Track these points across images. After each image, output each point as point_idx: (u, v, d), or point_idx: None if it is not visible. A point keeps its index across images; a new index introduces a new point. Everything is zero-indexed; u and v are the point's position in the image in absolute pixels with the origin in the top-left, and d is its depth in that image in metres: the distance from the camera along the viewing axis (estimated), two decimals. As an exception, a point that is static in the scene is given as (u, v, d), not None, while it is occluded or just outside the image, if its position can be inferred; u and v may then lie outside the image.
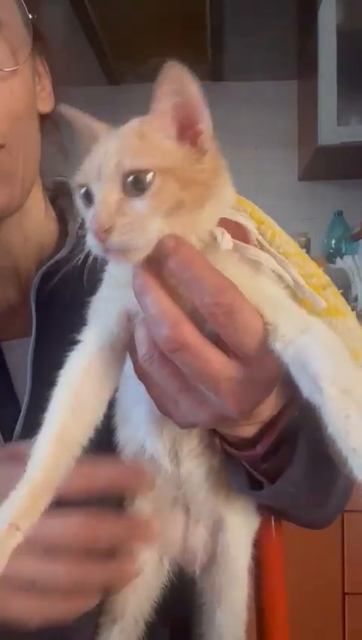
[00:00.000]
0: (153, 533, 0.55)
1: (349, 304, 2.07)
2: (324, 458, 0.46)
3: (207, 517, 0.59)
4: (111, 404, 0.52)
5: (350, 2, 1.96)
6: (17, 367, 0.64)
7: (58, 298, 0.59)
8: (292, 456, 0.51)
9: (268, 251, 0.48)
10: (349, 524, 1.54)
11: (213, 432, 0.53)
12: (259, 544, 0.63)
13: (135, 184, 0.42)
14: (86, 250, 0.44)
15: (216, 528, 0.59)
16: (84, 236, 0.58)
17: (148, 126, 0.44)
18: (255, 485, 0.54)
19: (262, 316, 0.43)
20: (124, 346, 0.48)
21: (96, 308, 0.50)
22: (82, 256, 0.45)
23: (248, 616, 0.61)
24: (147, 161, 0.42)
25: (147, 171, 0.41)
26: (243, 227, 0.47)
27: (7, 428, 0.63)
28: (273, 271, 0.46)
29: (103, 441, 0.52)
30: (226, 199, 0.47)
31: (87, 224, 0.43)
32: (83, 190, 0.45)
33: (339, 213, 2.20)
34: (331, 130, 1.91)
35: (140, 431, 0.55)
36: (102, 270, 0.49)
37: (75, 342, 0.48)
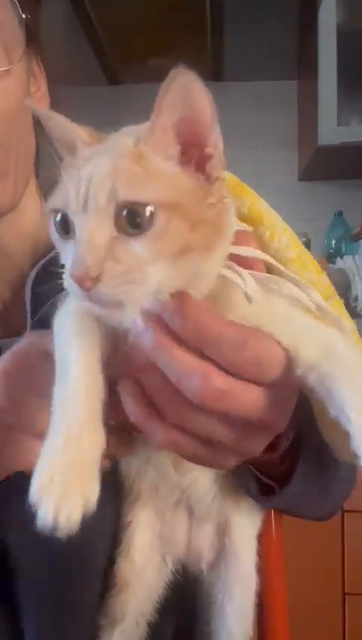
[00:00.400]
0: None
1: (349, 304, 2.05)
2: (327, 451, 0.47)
3: (212, 518, 0.59)
4: None
5: (350, 2, 1.96)
6: None
7: (52, 297, 0.59)
8: (299, 453, 0.51)
9: (283, 274, 0.42)
10: (349, 524, 1.54)
11: None
12: (259, 544, 0.63)
13: (131, 220, 0.33)
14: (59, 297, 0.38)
15: (222, 528, 0.59)
16: None
17: (145, 145, 0.35)
18: (263, 491, 0.54)
19: (280, 343, 0.39)
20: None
21: (73, 322, 0.41)
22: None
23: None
24: (149, 191, 0.33)
25: (147, 205, 0.33)
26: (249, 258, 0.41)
27: None
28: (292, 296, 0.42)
29: None
30: (226, 246, 0.39)
31: (66, 264, 0.35)
32: (59, 217, 0.36)
33: (339, 214, 2.20)
34: (331, 130, 1.91)
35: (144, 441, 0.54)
36: None
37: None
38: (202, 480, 0.55)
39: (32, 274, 0.61)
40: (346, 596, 1.55)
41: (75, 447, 0.34)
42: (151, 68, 2.22)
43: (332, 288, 0.50)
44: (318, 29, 1.91)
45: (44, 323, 0.62)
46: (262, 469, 0.54)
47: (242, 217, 0.44)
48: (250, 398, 0.39)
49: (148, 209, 0.33)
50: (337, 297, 0.50)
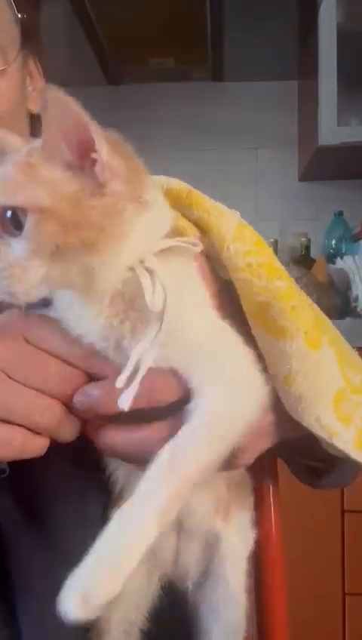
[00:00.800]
0: None
1: (350, 304, 2.05)
2: None
3: (201, 534, 0.57)
4: None
5: (350, 2, 1.96)
6: None
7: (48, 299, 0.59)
8: None
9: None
10: (349, 524, 1.54)
11: None
12: (259, 543, 0.63)
13: (14, 221, 0.37)
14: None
15: (211, 545, 0.58)
16: None
17: (38, 155, 0.39)
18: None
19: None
20: None
21: None
22: None
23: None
24: (23, 197, 0.37)
25: (23, 209, 0.37)
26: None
27: None
28: None
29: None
30: (139, 238, 0.41)
31: None
32: None
33: (340, 214, 2.20)
34: (331, 131, 1.91)
35: None
36: None
37: None
38: (193, 498, 0.53)
39: None
40: (346, 596, 1.55)
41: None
42: (151, 68, 2.22)
43: (303, 296, 0.49)
44: (318, 29, 1.91)
45: None
46: (308, 453, 0.55)
47: (196, 225, 0.48)
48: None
49: (23, 212, 0.37)
50: (312, 306, 0.50)
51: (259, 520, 0.64)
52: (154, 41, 2.06)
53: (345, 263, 2.00)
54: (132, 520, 0.41)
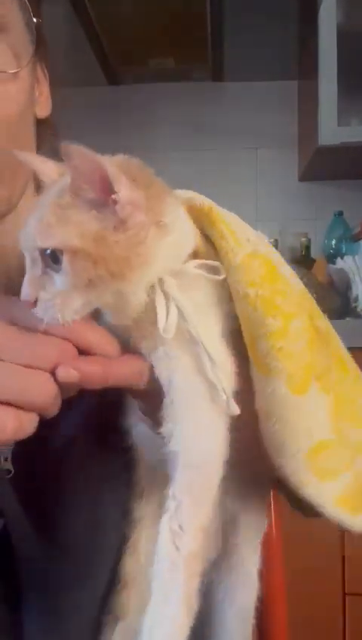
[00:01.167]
0: None
1: (350, 304, 2.05)
2: None
3: (219, 514, 0.58)
4: None
5: (350, 2, 1.96)
6: None
7: None
8: None
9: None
10: (349, 524, 1.54)
11: None
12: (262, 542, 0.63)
13: (54, 258, 0.42)
14: None
15: (227, 526, 0.59)
16: None
17: (65, 197, 0.43)
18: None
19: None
20: None
21: None
22: None
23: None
24: (55, 239, 0.42)
25: (58, 250, 0.42)
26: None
27: None
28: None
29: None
30: (163, 260, 0.45)
31: None
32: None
33: (340, 214, 2.20)
34: (331, 131, 1.91)
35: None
36: None
37: None
38: None
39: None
40: (346, 596, 1.55)
41: None
42: (151, 68, 2.22)
43: (311, 305, 0.50)
44: (318, 29, 1.91)
45: None
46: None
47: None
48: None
49: (59, 251, 0.42)
50: (321, 317, 0.50)
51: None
52: (154, 41, 2.06)
53: (345, 263, 2.00)
54: (164, 619, 0.44)
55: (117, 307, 0.45)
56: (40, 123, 0.62)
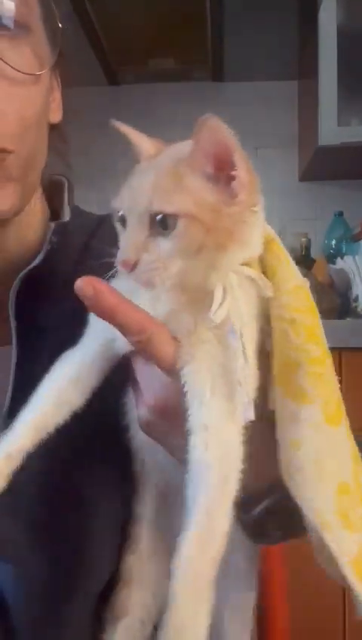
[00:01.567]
0: None
1: (350, 304, 2.04)
2: None
3: None
4: None
5: (350, 2, 1.96)
6: None
7: (38, 306, 0.59)
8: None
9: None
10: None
11: None
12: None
13: (162, 223, 0.43)
14: (112, 272, 0.47)
15: None
16: (56, 243, 0.61)
17: (183, 165, 0.45)
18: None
19: (189, 390, 0.46)
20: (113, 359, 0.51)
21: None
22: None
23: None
24: (175, 205, 0.43)
25: (173, 214, 0.43)
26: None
27: None
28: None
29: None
30: (252, 245, 0.48)
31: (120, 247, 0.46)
32: (120, 214, 0.47)
33: (340, 214, 2.20)
34: (331, 131, 1.91)
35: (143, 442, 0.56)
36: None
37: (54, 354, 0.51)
38: None
39: (16, 283, 0.61)
40: (346, 596, 1.55)
41: None
42: (151, 68, 2.22)
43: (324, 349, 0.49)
44: (318, 29, 1.91)
45: (29, 333, 0.62)
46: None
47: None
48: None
49: (174, 217, 0.43)
50: (320, 367, 0.49)
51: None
52: (154, 41, 2.06)
53: (345, 263, 2.00)
54: (189, 619, 0.44)
55: (197, 285, 0.46)
56: (50, 129, 0.62)
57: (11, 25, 0.53)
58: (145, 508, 0.58)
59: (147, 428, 0.51)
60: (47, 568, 0.57)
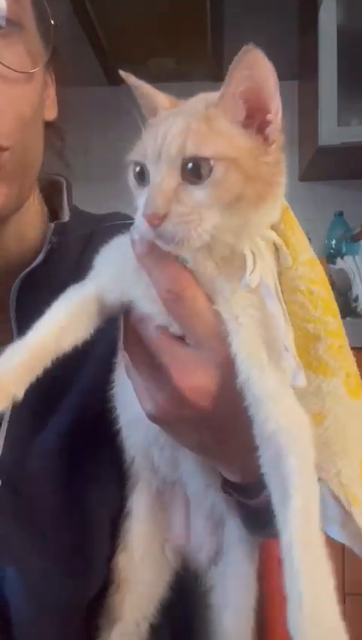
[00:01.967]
0: None
1: (350, 304, 2.03)
2: None
3: (207, 509, 0.58)
4: None
5: (350, 2, 1.96)
6: None
7: (38, 306, 0.59)
8: None
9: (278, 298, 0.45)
10: (349, 525, 1.54)
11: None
12: (258, 543, 0.63)
13: (195, 170, 0.39)
14: (131, 235, 0.44)
15: (219, 523, 0.58)
16: (56, 242, 0.59)
17: (214, 109, 0.41)
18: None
19: (247, 358, 0.42)
20: (109, 311, 0.48)
21: (103, 267, 0.48)
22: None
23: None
24: (212, 148, 0.39)
25: (210, 159, 0.39)
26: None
27: None
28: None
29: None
30: (278, 204, 0.44)
31: (139, 205, 0.41)
32: (138, 168, 0.42)
33: (340, 214, 2.20)
34: (331, 131, 1.91)
35: (141, 434, 0.55)
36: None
37: None
38: (191, 468, 0.54)
39: (16, 283, 0.60)
40: (346, 596, 1.55)
41: None
42: (151, 68, 2.22)
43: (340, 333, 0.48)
44: (318, 29, 1.91)
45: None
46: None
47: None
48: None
49: (210, 162, 0.39)
50: (334, 340, 0.47)
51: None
52: (154, 41, 2.06)
53: (345, 264, 2.00)
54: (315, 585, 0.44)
55: (228, 244, 0.42)
56: (46, 126, 0.62)
57: (3, 23, 0.53)
58: (139, 507, 0.58)
59: (164, 417, 0.47)
60: (47, 568, 0.57)
